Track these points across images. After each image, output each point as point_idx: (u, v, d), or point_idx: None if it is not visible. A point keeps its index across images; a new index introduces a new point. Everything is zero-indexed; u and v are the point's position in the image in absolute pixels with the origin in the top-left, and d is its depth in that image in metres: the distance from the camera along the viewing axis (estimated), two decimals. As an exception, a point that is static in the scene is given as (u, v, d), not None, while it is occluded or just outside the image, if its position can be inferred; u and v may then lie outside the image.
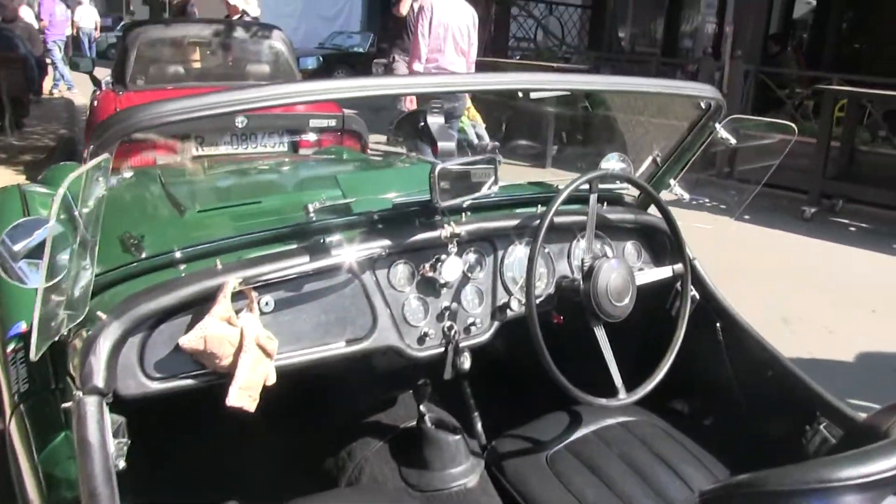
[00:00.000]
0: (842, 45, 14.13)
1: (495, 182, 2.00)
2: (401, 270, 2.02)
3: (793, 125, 2.36)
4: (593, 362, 2.08)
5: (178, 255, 1.82)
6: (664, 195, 2.41)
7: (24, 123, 11.31)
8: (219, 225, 2.18)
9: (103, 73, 7.22)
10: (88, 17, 19.60)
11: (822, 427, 2.10)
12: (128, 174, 3.14)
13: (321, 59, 16.66)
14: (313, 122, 5.86)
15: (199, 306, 1.71)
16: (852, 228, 7.83)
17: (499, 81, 1.95)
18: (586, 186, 2.10)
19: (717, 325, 2.42)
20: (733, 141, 2.27)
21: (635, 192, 2.52)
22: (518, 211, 2.25)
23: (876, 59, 12.29)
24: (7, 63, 10.79)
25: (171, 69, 7.09)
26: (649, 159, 2.52)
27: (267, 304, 1.82)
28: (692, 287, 2.38)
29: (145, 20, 12.43)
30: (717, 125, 2.26)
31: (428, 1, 6.72)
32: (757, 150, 2.33)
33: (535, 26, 14.14)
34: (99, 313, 1.61)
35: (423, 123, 1.78)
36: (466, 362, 2.05)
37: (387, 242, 1.94)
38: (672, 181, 2.48)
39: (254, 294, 1.76)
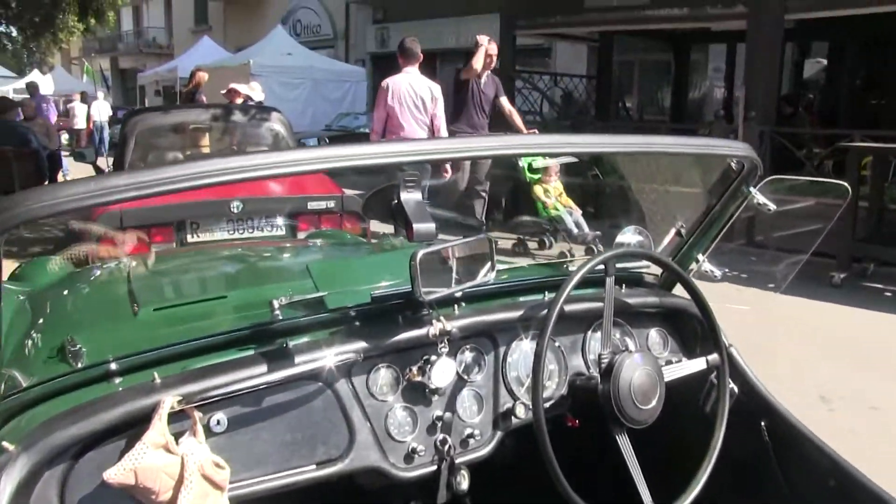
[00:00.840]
0: (857, 102, 13.94)
1: (492, 267, 1.69)
2: (382, 376, 1.71)
3: (846, 184, 2.04)
4: (616, 474, 1.76)
5: (113, 366, 1.52)
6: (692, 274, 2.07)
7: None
8: (172, 325, 1.87)
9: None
10: (102, 111, 20.54)
11: None
12: (97, 267, 2.87)
13: (327, 140, 16.78)
14: (311, 205, 5.68)
15: (133, 430, 1.42)
16: (887, 294, 7.42)
17: (516, 145, 1.65)
18: (601, 268, 1.77)
19: (762, 423, 2.06)
20: (772, 206, 1.95)
21: (657, 270, 2.20)
22: (522, 299, 1.94)
23: (893, 114, 12.09)
24: (21, 158, 11.17)
25: (170, 155, 6.98)
26: (672, 232, 2.20)
27: (218, 422, 1.52)
28: (730, 380, 2.03)
29: (145, 108, 12.51)
30: (753, 189, 1.94)
31: (385, 81, 7.43)
32: (799, 215, 2.00)
33: (540, 99, 14.02)
34: (4, 444, 1.31)
35: (395, 201, 1.47)
36: (464, 482, 1.73)
37: (363, 344, 1.64)
38: (700, 256, 2.16)
39: (197, 414, 1.45)
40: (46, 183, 12.84)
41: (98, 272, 2.82)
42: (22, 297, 2.51)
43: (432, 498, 1.73)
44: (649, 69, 16.74)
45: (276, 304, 1.68)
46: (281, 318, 1.69)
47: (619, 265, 2.05)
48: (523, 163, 8.53)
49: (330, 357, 1.59)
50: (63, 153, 16.14)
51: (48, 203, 1.18)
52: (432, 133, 7.37)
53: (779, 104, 12.77)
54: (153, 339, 1.67)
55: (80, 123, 20.28)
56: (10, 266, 3.43)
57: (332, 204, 5.70)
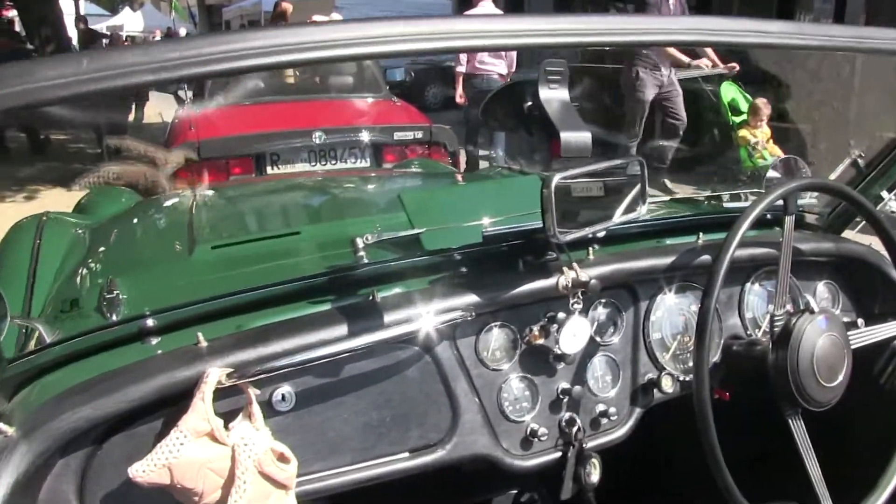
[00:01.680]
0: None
1: (643, 199, 1.30)
2: (496, 338, 1.35)
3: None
4: (778, 462, 1.38)
5: (150, 321, 1.20)
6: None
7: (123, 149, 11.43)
8: (231, 268, 1.55)
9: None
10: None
11: None
12: (166, 197, 2.58)
13: (412, 73, 16.36)
14: (398, 135, 5.32)
15: (170, 409, 1.10)
16: None
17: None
18: (780, 203, 1.38)
19: None
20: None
21: (820, 209, 1.78)
22: (670, 242, 1.54)
23: None
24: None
25: (250, 84, 6.70)
26: (846, 162, 1.77)
27: (283, 398, 1.19)
28: None
29: (224, 32, 12.30)
30: None
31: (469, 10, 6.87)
32: None
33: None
34: (2, 426, 0.99)
35: (530, 102, 1.08)
36: (595, 473, 1.38)
37: (473, 297, 1.27)
38: (886, 193, 1.73)
39: (253, 391, 1.11)
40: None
41: (166, 203, 2.52)
42: (81, 231, 2.24)
43: (554, 490, 1.39)
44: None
45: (360, 242, 1.34)
46: (366, 261, 1.35)
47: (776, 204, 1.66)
48: (725, 99, 7.01)
49: (430, 314, 1.23)
50: (146, 87, 16.35)
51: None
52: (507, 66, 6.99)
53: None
54: (206, 285, 1.37)
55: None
56: (75, 196, 3.19)
57: (419, 134, 5.34)
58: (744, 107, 6.89)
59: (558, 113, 1.07)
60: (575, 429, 1.37)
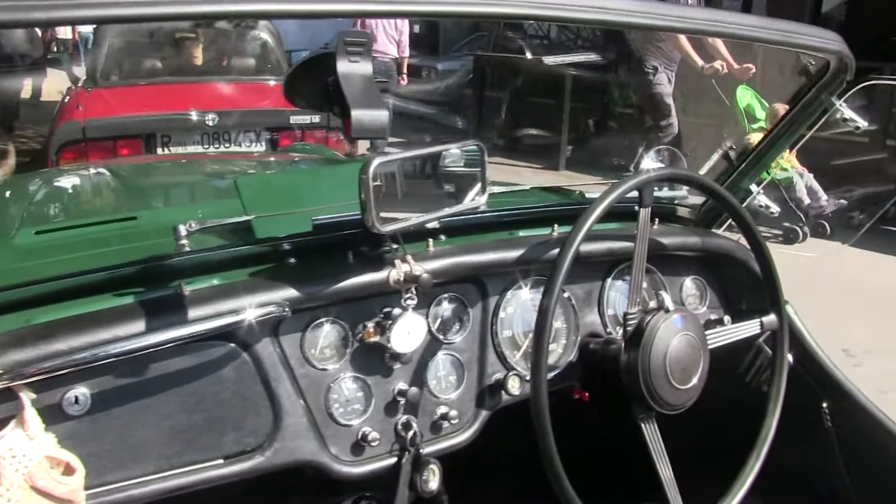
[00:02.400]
0: (878, 39, 13.25)
1: (482, 188, 1.20)
2: (325, 335, 1.24)
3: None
4: (637, 464, 1.32)
5: None
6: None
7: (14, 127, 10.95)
8: (48, 255, 1.40)
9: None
10: (86, 20, 19.45)
11: None
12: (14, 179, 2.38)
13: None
14: (294, 119, 5.17)
15: None
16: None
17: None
18: (634, 194, 1.30)
19: (824, 405, 1.60)
20: (862, 124, 1.46)
21: (692, 202, 1.72)
22: (523, 234, 1.45)
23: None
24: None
25: (146, 64, 6.47)
26: (716, 155, 1.71)
27: (77, 400, 1.04)
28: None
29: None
30: (838, 99, 1.45)
31: None
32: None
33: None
34: None
35: (332, 77, 0.97)
36: (433, 480, 1.29)
37: (295, 291, 1.15)
38: (754, 186, 1.67)
39: (28, 396, 0.97)
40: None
41: (12, 185, 2.32)
42: None
43: (390, 495, 1.28)
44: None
45: (182, 230, 1.22)
46: (188, 249, 1.21)
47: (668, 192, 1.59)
48: (741, 104, 6.41)
49: (246, 308, 1.11)
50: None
51: None
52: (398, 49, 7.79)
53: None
54: (19, 272, 1.21)
55: (65, 33, 19.45)
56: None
57: (316, 119, 5.21)
58: (760, 113, 6.44)
59: (355, 89, 0.96)
60: (412, 433, 1.27)
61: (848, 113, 1.49)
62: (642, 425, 1.29)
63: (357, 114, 0.95)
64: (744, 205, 1.70)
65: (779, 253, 1.77)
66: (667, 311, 1.29)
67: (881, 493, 1.54)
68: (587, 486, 1.27)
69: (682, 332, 1.29)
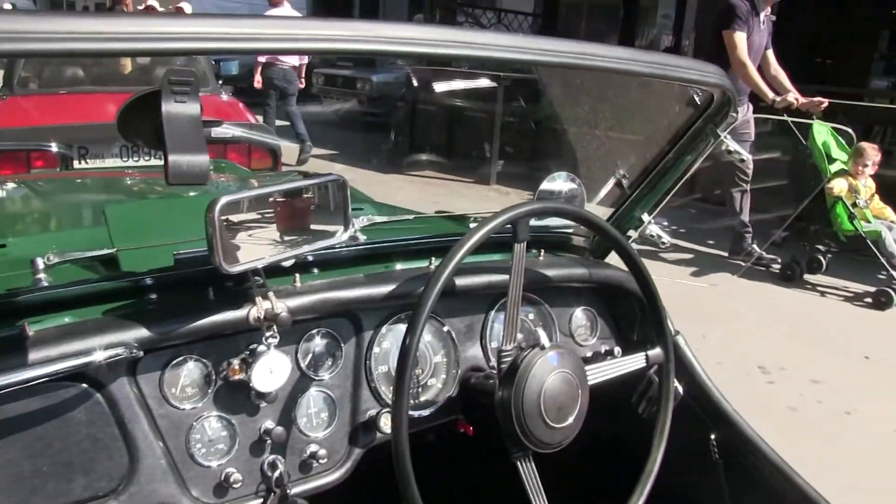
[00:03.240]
0: (804, 61, 13.63)
1: (345, 224, 1.16)
2: (187, 373, 1.18)
3: (849, 130, 1.57)
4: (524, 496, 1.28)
5: None
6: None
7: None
8: None
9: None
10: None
11: None
12: None
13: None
14: (216, 133, 5.01)
15: None
16: (829, 255, 7.09)
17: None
18: (509, 227, 1.27)
19: (712, 437, 1.59)
20: (746, 157, 1.46)
21: (587, 231, 1.70)
22: (400, 267, 1.41)
23: (838, 74, 11.82)
24: None
25: (68, 72, 6.30)
26: (611, 182, 1.70)
27: None
28: (674, 378, 1.57)
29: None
30: (723, 132, 1.45)
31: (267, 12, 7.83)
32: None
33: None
34: None
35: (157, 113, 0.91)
36: None
37: (149, 331, 1.09)
38: (646, 216, 1.66)
39: None
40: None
41: None
42: None
43: None
44: (597, 12, 16.12)
45: (39, 262, 1.15)
46: (43, 283, 1.15)
47: (538, 225, 1.55)
48: (817, 142, 5.71)
49: (96, 350, 1.05)
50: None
51: None
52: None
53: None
54: None
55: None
56: None
57: (239, 132, 5.08)
58: (837, 153, 5.74)
59: (177, 131, 0.91)
60: (277, 473, 1.21)
61: (732, 145, 1.49)
62: (518, 464, 1.26)
63: (175, 158, 0.90)
64: (636, 234, 1.70)
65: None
66: (542, 348, 1.26)
67: None
68: None
69: (559, 369, 1.26)
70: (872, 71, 12.73)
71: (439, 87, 9.99)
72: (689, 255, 6.47)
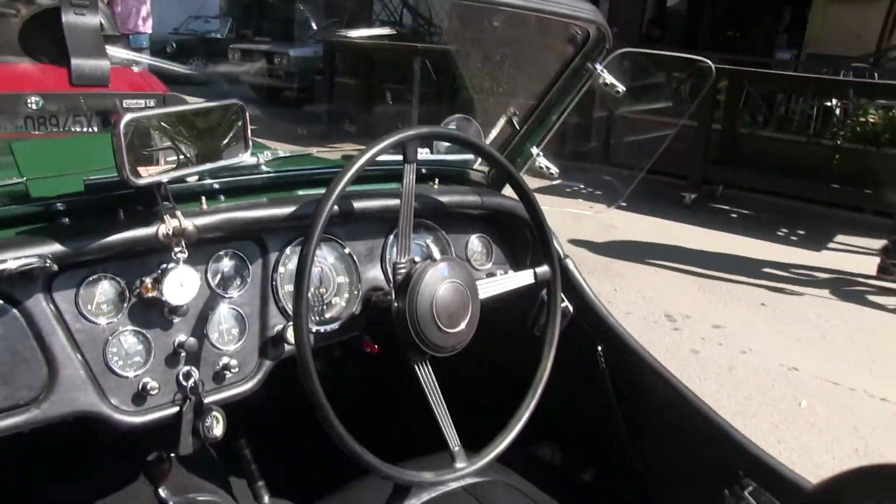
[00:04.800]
0: (716, 33, 14.06)
1: (245, 145, 1.25)
2: (101, 291, 1.25)
3: (709, 62, 1.72)
4: (426, 410, 1.40)
5: None
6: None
7: None
8: None
9: None
10: None
11: (747, 492, 1.45)
12: None
13: (173, 44, 15.62)
14: (127, 103, 4.99)
15: None
16: (734, 215, 7.46)
17: None
18: (399, 153, 1.38)
19: (599, 348, 1.75)
20: (621, 88, 1.60)
21: (486, 167, 1.82)
22: (302, 193, 1.50)
23: (746, 45, 12.25)
24: None
25: (-46, 42, 6.11)
26: (503, 120, 1.82)
27: None
28: (564, 297, 1.70)
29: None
30: (599, 65, 1.58)
31: None
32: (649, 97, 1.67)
33: (400, 7, 13.32)
34: None
35: (59, 27, 1.00)
36: (217, 427, 1.32)
37: (63, 247, 1.17)
38: (535, 149, 1.79)
39: None
40: None
41: None
42: None
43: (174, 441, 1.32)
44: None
45: None
46: None
47: (435, 159, 1.67)
48: None
49: (8, 259, 1.12)
50: None
51: None
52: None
53: (647, 27, 12.72)
54: None
55: None
56: None
57: (151, 103, 5.04)
58: None
59: (78, 39, 1.00)
60: (192, 382, 1.30)
61: (609, 78, 1.63)
62: (416, 367, 1.38)
63: (77, 62, 0.98)
64: (526, 166, 1.83)
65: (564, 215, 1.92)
66: (433, 260, 1.38)
67: (645, 420, 1.69)
68: (383, 432, 1.34)
69: (449, 279, 1.37)
70: (777, 43, 13.23)
71: (356, 58, 10.05)
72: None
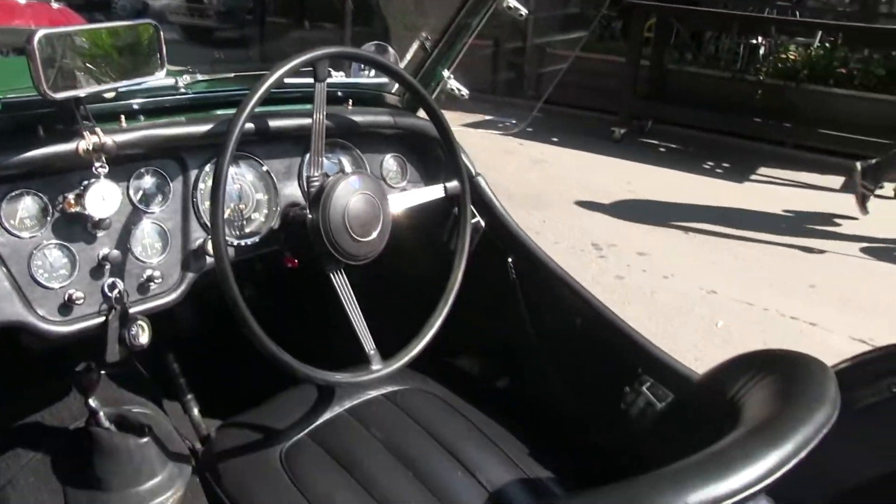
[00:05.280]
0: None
1: (160, 63, 1.32)
2: (24, 207, 1.31)
3: None
4: (345, 319, 1.51)
5: None
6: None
7: None
8: None
9: None
10: None
11: (645, 388, 1.59)
12: None
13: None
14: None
15: None
16: (662, 149, 7.64)
17: None
18: (309, 75, 1.45)
19: (509, 260, 1.86)
20: (524, 11, 1.69)
21: (398, 90, 1.91)
22: (220, 113, 1.57)
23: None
24: None
25: None
26: (415, 45, 1.90)
27: None
28: (476, 212, 1.81)
29: None
30: None
31: None
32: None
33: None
34: None
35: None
36: (143, 335, 1.39)
37: None
38: (446, 72, 1.87)
39: None
40: None
41: None
42: None
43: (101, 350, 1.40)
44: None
45: None
46: None
47: (351, 82, 1.75)
48: None
49: None
50: None
51: None
52: None
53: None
54: None
55: None
56: None
57: None
58: None
59: None
60: (116, 292, 1.38)
61: (512, 2, 1.72)
62: (332, 276, 1.47)
63: None
64: (438, 89, 1.92)
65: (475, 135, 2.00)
66: (345, 173, 1.47)
67: (553, 326, 1.81)
68: (305, 343, 1.44)
69: (360, 191, 1.46)
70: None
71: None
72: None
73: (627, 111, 7.76)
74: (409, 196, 1.65)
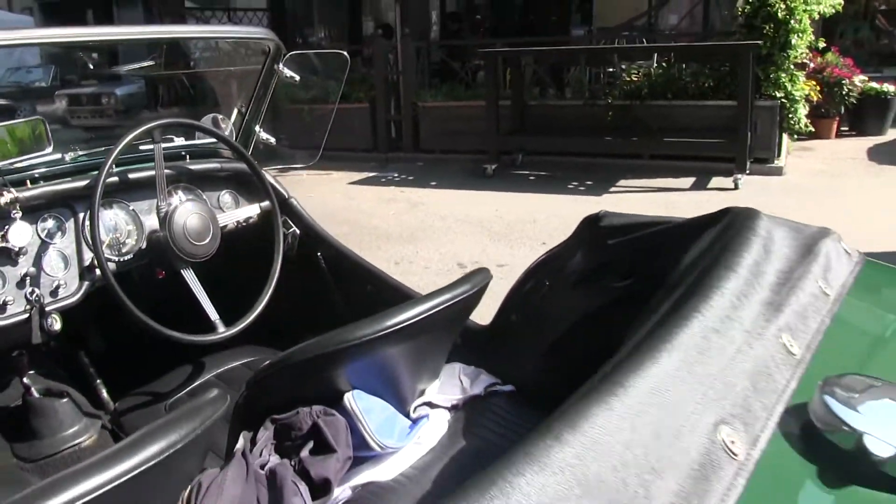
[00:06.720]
0: (520, 19, 15.34)
1: (49, 142, 2.03)
2: None
3: (344, 53, 2.60)
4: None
5: None
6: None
7: None
8: None
9: None
10: None
11: None
12: None
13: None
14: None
15: None
16: (532, 178, 8.51)
17: None
18: (149, 143, 2.19)
19: (319, 254, 2.59)
20: (297, 77, 2.46)
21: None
22: (94, 174, 2.28)
23: (546, 27, 13.54)
24: None
25: None
26: (235, 111, 2.65)
27: None
28: (292, 223, 2.55)
29: None
30: (280, 66, 2.44)
31: None
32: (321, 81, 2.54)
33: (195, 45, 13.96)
34: None
35: None
36: (56, 324, 2.03)
37: None
38: (257, 127, 2.63)
39: None
40: None
41: None
42: None
43: (54, 353, 2.04)
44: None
45: None
46: None
47: (189, 144, 2.48)
48: None
49: None
50: None
51: None
52: None
53: (445, 22, 13.81)
54: None
55: None
56: None
57: None
58: None
59: None
60: (35, 296, 2.02)
61: (288, 73, 2.49)
62: (183, 273, 2.18)
63: None
64: (253, 139, 2.66)
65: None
66: (182, 202, 2.20)
67: (355, 299, 2.51)
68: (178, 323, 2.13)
69: (193, 212, 2.18)
70: (572, 22, 14.60)
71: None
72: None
73: (494, 147, 8.65)
74: (235, 213, 2.39)
